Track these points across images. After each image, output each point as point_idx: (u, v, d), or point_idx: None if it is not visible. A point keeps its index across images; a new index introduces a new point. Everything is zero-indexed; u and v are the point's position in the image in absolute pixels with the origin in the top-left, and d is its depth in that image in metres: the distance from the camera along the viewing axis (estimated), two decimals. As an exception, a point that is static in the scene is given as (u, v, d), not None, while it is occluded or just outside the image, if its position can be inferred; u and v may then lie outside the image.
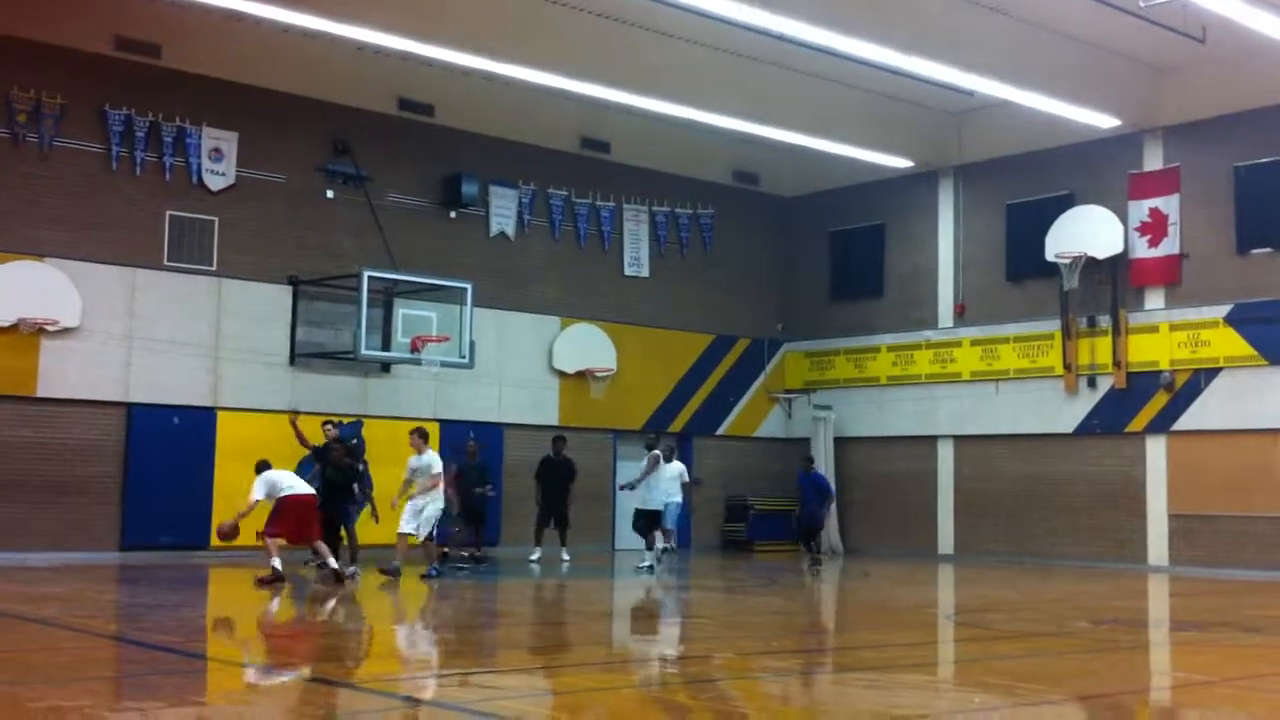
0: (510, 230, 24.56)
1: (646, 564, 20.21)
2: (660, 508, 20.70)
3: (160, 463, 20.10)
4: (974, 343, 25.43)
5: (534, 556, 21.32)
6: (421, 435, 18.04)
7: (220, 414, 21.01)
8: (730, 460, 27.28)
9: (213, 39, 20.21)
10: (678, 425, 26.36)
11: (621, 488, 21.66)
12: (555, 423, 24.32)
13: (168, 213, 21.01)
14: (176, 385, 20.75)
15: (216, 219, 21.39)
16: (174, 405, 20.60)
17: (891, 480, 26.47)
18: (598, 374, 25.16)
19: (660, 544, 20.76)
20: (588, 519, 23.79)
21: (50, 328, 19.66)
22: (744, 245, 27.78)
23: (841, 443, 27.14)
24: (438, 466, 17.83)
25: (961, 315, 25.75)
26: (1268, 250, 21.95)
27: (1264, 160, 21.96)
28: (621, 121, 23.87)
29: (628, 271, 26.19)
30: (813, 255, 28.30)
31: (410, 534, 17.76)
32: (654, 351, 26.09)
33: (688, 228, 26.95)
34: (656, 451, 20.93)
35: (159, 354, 20.62)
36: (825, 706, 9.62)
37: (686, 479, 21.37)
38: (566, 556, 21.44)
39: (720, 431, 27.17)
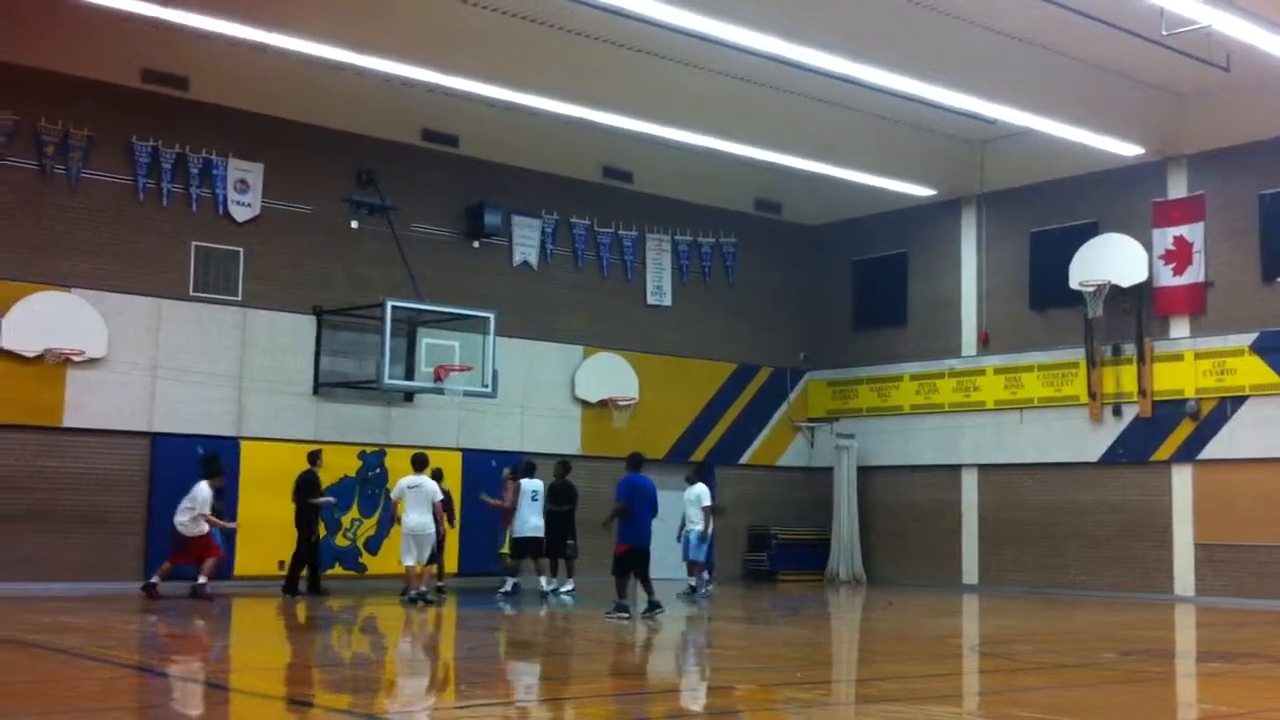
0: (533, 260, 24.63)
1: (506, 589, 20.31)
2: (533, 534, 20.42)
3: (184, 492, 20.09)
4: (998, 371, 25.34)
5: (546, 586, 20.92)
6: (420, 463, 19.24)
7: (244, 444, 21.07)
8: (753, 490, 27.22)
9: (239, 71, 20.37)
10: (700, 454, 26.30)
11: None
12: (578, 452, 24.30)
13: (194, 244, 21.14)
14: (201, 415, 20.84)
15: (242, 250, 21.52)
16: (198, 435, 20.67)
17: (915, 510, 26.35)
18: (620, 403, 25.16)
19: (692, 581, 20.74)
20: (606, 549, 23.61)
21: (76, 358, 19.78)
22: (767, 274, 27.78)
23: (865, 472, 27.05)
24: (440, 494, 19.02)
25: (985, 344, 25.66)
26: (1293, 278, 21.85)
27: (1289, 188, 21.90)
28: (644, 151, 23.94)
29: (650, 301, 26.21)
30: (836, 284, 28.28)
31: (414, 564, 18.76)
32: (676, 380, 26.08)
33: (710, 257, 26.98)
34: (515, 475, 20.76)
35: (184, 384, 20.72)
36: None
37: (708, 503, 21.06)
38: (569, 586, 20.92)
39: (743, 461, 27.12)
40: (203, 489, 18.50)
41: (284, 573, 19.61)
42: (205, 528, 18.47)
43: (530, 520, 20.41)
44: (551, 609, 19.06)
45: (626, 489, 17.04)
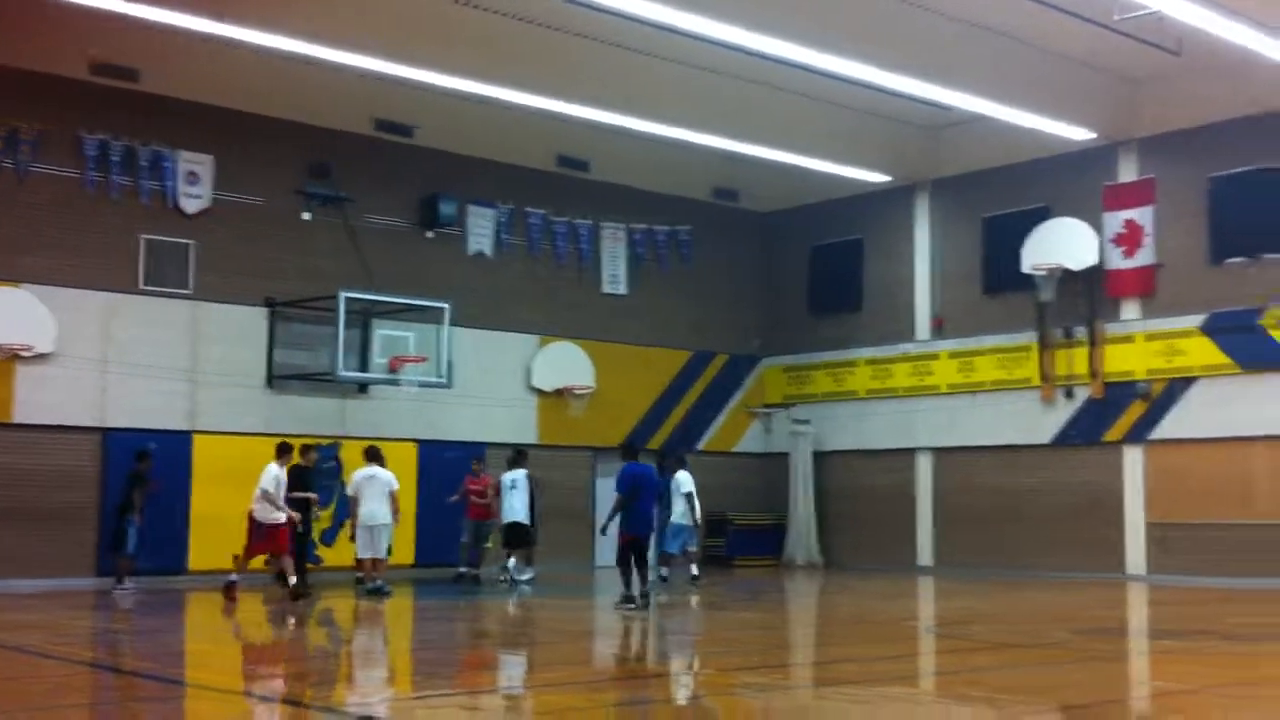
0: (488, 249, 24.56)
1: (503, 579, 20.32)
2: (518, 519, 20.51)
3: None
4: (952, 355, 25.51)
5: (517, 575, 20.92)
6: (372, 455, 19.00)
7: (197, 438, 20.92)
8: (709, 476, 27.07)
9: (189, 63, 20.13)
10: (656, 441, 26.31)
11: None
12: (535, 441, 24.29)
13: (143, 237, 20.94)
14: (153, 409, 20.65)
15: (193, 242, 21.33)
16: (150, 430, 20.49)
17: (871, 493, 26.50)
18: (576, 391, 25.15)
19: (663, 571, 20.52)
20: (565, 537, 23.73)
21: (25, 353, 19.56)
22: (723, 261, 27.83)
23: (821, 457, 27.17)
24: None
25: (940, 328, 25.82)
26: (1241, 260, 22.07)
27: (1238, 170, 22.09)
28: (599, 140, 23.89)
29: (606, 289, 26.20)
30: (792, 270, 28.36)
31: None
32: (633, 368, 26.10)
33: (666, 245, 26.98)
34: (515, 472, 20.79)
35: (135, 378, 20.53)
36: (806, 722, 9.62)
37: (689, 489, 20.33)
38: (528, 575, 20.88)
39: (699, 447, 27.16)
40: (271, 469, 17.70)
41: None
42: (281, 515, 17.53)
43: (515, 508, 20.55)
44: (522, 597, 19.08)
45: (629, 480, 16.43)
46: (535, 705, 10.03)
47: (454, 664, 12.67)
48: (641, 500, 16.50)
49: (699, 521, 20.88)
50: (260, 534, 17.64)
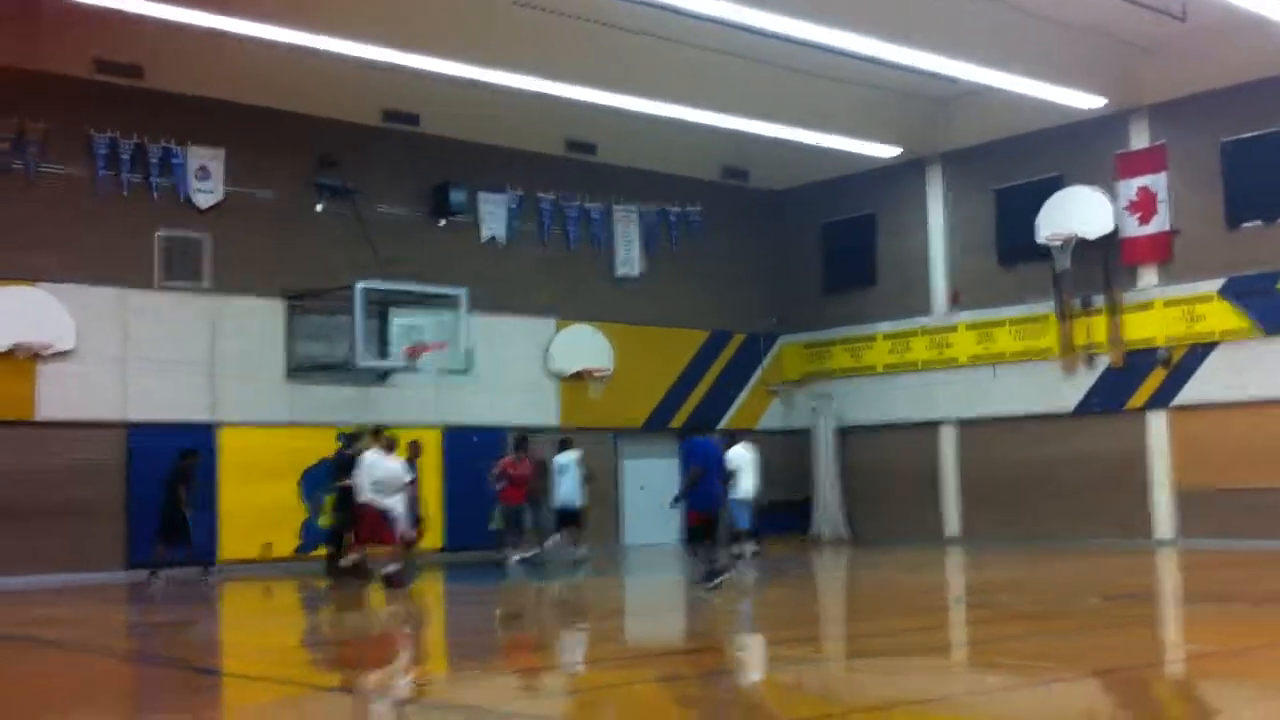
0: (501, 235, 24.55)
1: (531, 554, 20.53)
2: (571, 504, 20.87)
3: (162, 481, 20.00)
4: (969, 327, 25.44)
5: (516, 557, 21.06)
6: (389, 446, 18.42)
7: (220, 430, 20.97)
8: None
9: (195, 58, 20.15)
10: (678, 421, 26.30)
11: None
12: (556, 424, 24.31)
13: (157, 233, 20.96)
14: (175, 403, 20.70)
15: (207, 237, 21.35)
16: (173, 423, 20.55)
17: (894, 467, 26.46)
18: (595, 374, 25.15)
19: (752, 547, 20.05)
20: (589, 519, 23.72)
21: (45, 352, 19.63)
22: (736, 240, 27.77)
23: (843, 432, 27.16)
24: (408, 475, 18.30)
25: (956, 301, 25.75)
26: (1258, 223, 21.98)
27: (1250, 134, 21.98)
28: (607, 122, 23.82)
29: (619, 271, 26.17)
30: (805, 247, 28.31)
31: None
32: (651, 350, 26.08)
33: (678, 225, 26.93)
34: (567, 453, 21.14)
35: (156, 374, 20.58)
36: (839, 694, 9.62)
37: (738, 464, 19.52)
38: (534, 553, 21.04)
39: (720, 426, 27.09)
40: (381, 460, 17.65)
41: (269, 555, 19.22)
42: (400, 505, 17.45)
43: (568, 492, 21.12)
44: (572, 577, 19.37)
45: (701, 455, 15.88)
46: (543, 684, 10.05)
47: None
48: (709, 477, 15.88)
49: (741, 498, 19.85)
50: (374, 521, 17.51)
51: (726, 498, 17.54)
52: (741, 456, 19.82)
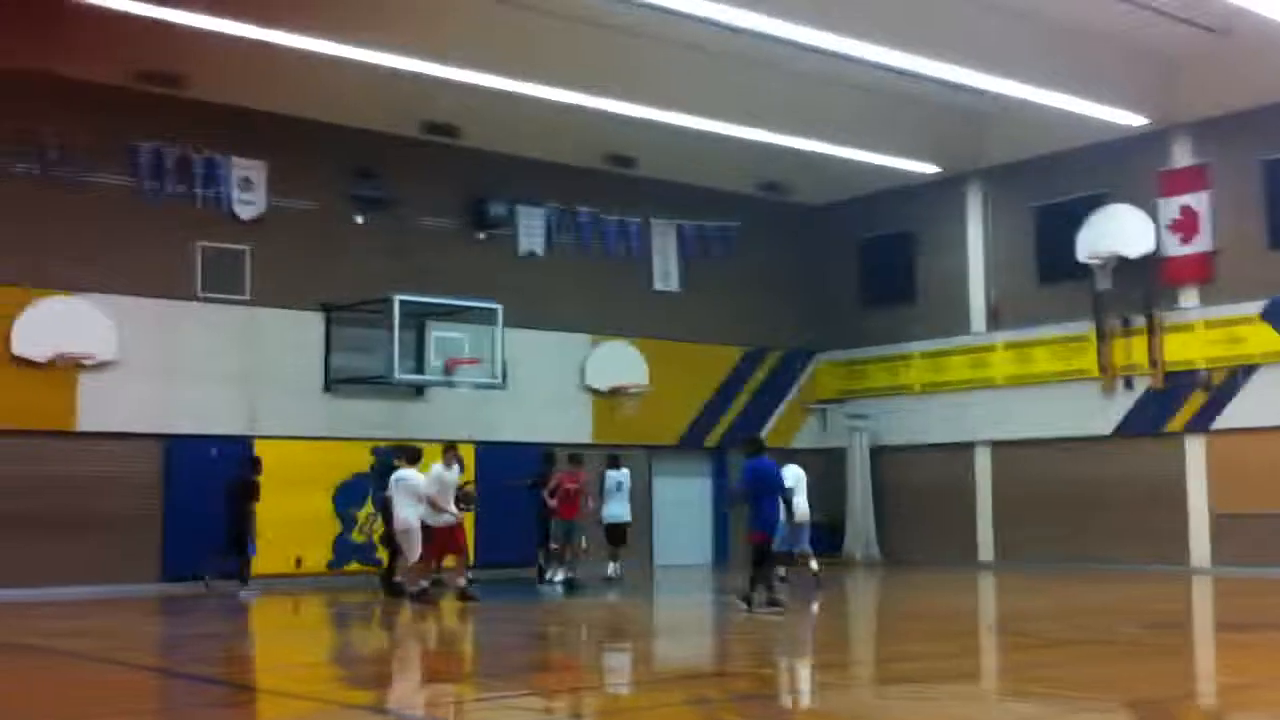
0: (539, 249, 24.60)
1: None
2: (622, 520, 20.88)
3: (199, 493, 20.16)
4: (1008, 346, 25.29)
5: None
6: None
7: (258, 443, 21.08)
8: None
9: (236, 68, 20.25)
10: (713, 439, 26.30)
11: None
12: (589, 441, 24.30)
13: (199, 244, 21.13)
14: (213, 415, 20.84)
15: (248, 248, 21.50)
16: (211, 436, 20.69)
17: (929, 487, 26.31)
18: (630, 390, 25.13)
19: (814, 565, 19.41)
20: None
21: (87, 362, 19.80)
22: (773, 256, 27.71)
23: (877, 452, 27.04)
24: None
25: (995, 320, 25.59)
26: (1299, 244, 21.77)
27: (1293, 154, 21.80)
28: (646, 136, 23.84)
29: (657, 286, 26.17)
30: (842, 264, 28.22)
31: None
32: (686, 366, 26.03)
33: (715, 240, 26.88)
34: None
35: (195, 385, 20.72)
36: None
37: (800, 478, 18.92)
38: (565, 574, 20.60)
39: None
40: (433, 470, 17.63)
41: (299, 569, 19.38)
42: (449, 517, 17.46)
43: (613, 509, 21.18)
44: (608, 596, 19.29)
45: (751, 476, 15.79)
46: (568, 706, 10.04)
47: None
48: (765, 499, 15.69)
49: (795, 519, 18.57)
50: (429, 537, 17.47)
51: (790, 519, 17.55)
52: (797, 477, 19.19)
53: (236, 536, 19.14)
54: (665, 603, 19.83)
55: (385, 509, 18.78)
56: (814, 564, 19.54)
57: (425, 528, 17.46)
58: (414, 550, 17.64)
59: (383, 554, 19.84)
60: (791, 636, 14.55)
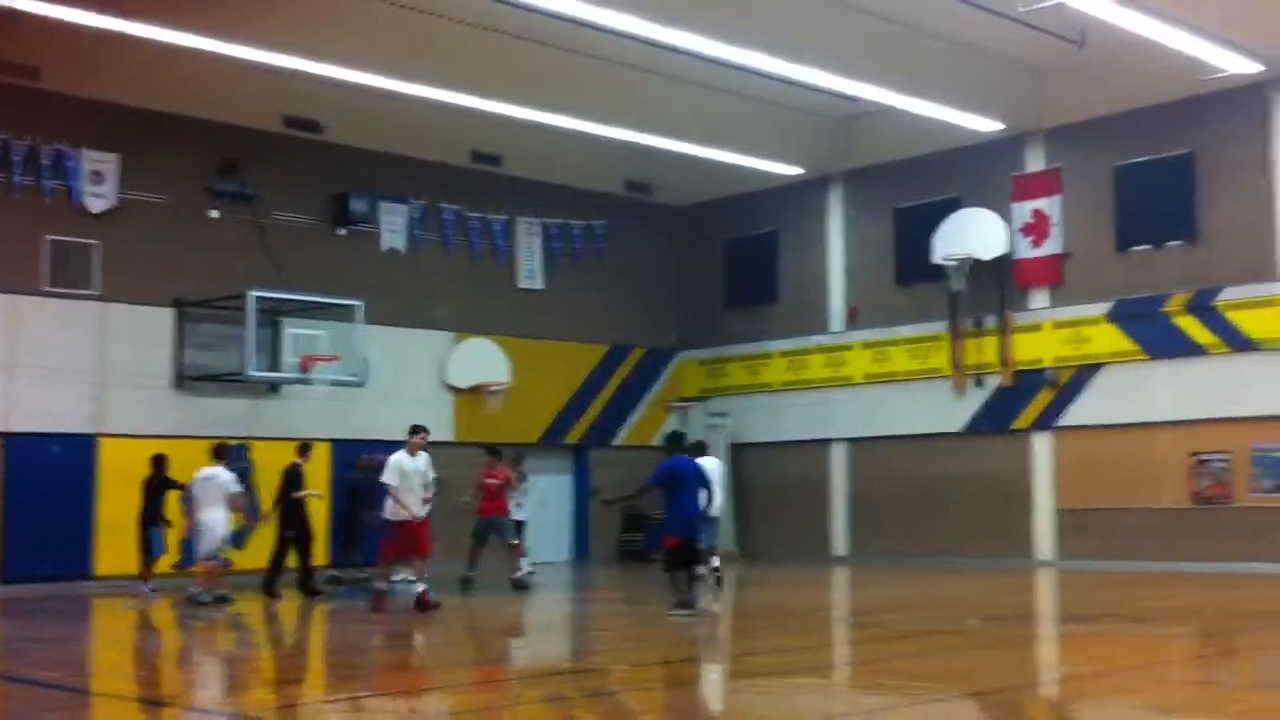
0: (402, 246, 24.36)
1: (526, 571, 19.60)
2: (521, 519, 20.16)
3: (41, 492, 19.55)
4: (865, 346, 25.72)
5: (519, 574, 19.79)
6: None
7: (103, 440, 20.53)
8: (627, 471, 27.02)
9: (93, 60, 19.72)
10: (574, 436, 26.31)
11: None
12: (451, 439, 24.09)
13: (47, 237, 20.51)
14: (59, 413, 20.21)
15: (98, 242, 20.93)
16: (55, 434, 20.08)
17: (787, 484, 26.65)
18: (492, 388, 25.00)
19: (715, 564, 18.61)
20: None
21: (-74, 357, 19.13)
22: (639, 255, 27.81)
23: (738, 449, 27.28)
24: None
25: (853, 319, 26.02)
26: (1147, 247, 22.45)
27: (1142, 159, 22.46)
28: (512, 134, 23.76)
29: (522, 284, 26.09)
30: (707, 263, 28.43)
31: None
32: (549, 364, 26.01)
33: (582, 239, 26.90)
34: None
35: (41, 382, 20.11)
36: (722, 716, 9.65)
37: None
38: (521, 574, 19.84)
39: (616, 442, 27.14)
40: (390, 460, 16.03)
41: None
42: (404, 512, 15.81)
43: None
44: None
45: (662, 474, 14.97)
46: (426, 705, 9.98)
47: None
48: (680, 497, 14.82)
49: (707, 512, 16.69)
50: (391, 535, 16.16)
51: (707, 518, 16.53)
52: (714, 470, 17.85)
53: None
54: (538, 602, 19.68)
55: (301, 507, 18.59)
56: (715, 560, 18.85)
57: (388, 524, 16.13)
58: (209, 548, 17.25)
59: (293, 560, 18.85)
60: (649, 634, 14.61)
